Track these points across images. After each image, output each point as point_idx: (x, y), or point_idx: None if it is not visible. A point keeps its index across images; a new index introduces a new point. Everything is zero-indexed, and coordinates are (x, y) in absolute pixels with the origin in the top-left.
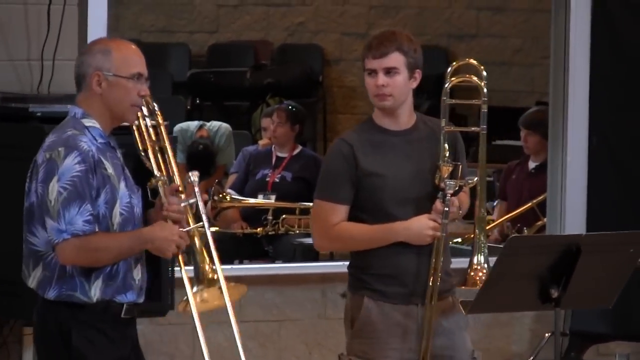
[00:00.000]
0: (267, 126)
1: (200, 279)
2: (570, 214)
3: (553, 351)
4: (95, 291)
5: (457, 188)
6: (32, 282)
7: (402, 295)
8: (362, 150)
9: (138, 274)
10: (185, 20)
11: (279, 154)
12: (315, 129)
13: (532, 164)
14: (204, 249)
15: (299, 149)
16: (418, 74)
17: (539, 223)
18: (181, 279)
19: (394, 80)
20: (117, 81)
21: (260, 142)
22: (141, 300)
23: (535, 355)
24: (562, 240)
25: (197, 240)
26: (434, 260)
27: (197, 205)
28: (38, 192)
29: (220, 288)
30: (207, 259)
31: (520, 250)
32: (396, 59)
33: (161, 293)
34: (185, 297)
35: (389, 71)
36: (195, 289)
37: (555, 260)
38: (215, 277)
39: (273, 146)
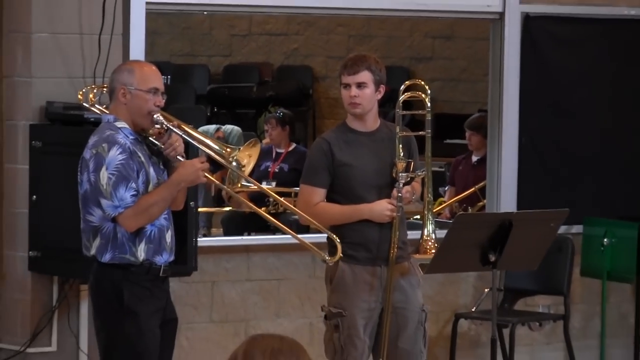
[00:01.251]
0: (267, 129)
1: (225, 155)
2: (505, 196)
3: (491, 303)
4: (141, 252)
5: (408, 179)
6: (92, 251)
7: (369, 259)
8: (337, 146)
9: (169, 237)
10: (205, 46)
11: (278, 150)
12: (306, 130)
13: (474, 158)
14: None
15: (293, 146)
16: (382, 88)
17: (480, 203)
18: (203, 247)
19: (364, 93)
20: (137, 94)
21: (264, 141)
22: (172, 258)
23: (477, 306)
24: (498, 216)
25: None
26: (393, 233)
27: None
28: (91, 180)
29: (240, 150)
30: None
31: (465, 224)
32: (365, 76)
33: (187, 258)
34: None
35: (359, 85)
36: (234, 161)
37: (493, 232)
38: (229, 149)
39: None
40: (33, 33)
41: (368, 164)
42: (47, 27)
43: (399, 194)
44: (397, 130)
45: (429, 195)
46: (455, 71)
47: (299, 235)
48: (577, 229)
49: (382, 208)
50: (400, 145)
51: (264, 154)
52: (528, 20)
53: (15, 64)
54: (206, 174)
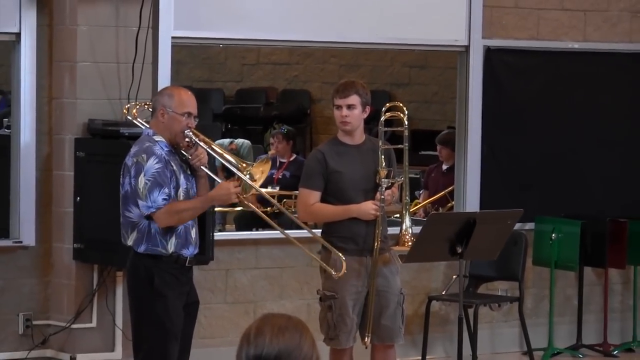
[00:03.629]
0: (273, 142)
1: (241, 168)
2: (470, 198)
3: (458, 287)
4: (171, 246)
5: (389, 184)
6: (129, 242)
7: (356, 251)
8: (330, 156)
9: (194, 233)
10: (221, 73)
11: (281, 160)
12: (305, 144)
13: (444, 167)
14: (229, 155)
15: (294, 156)
16: (368, 109)
17: (449, 205)
18: (219, 241)
19: (353, 113)
20: (174, 116)
21: (270, 152)
22: (196, 251)
23: (446, 290)
24: (464, 215)
25: (228, 156)
26: (377, 229)
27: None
28: (131, 184)
29: (254, 166)
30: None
31: (437, 222)
32: (354, 99)
33: (205, 250)
34: (244, 177)
35: (349, 107)
36: (247, 174)
37: (459, 228)
38: (245, 164)
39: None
40: (78, 62)
41: (356, 172)
42: (90, 57)
43: (382, 197)
44: (380, 143)
45: (407, 198)
46: (428, 95)
47: (300, 231)
48: (529, 225)
49: (367, 208)
50: (382, 156)
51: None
52: (489, 53)
53: (63, 88)
54: (238, 195)
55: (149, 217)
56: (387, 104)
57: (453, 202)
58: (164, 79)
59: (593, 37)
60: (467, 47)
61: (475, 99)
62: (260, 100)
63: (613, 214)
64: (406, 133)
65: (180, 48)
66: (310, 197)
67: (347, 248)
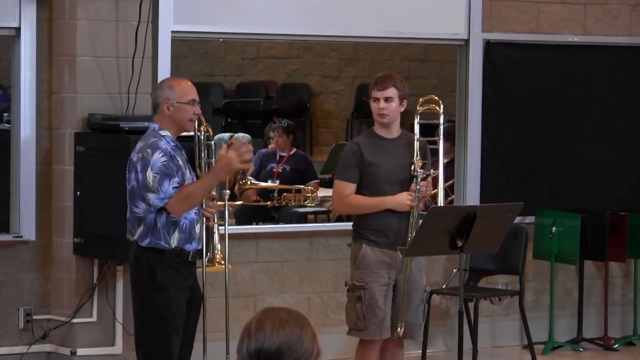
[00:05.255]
0: (273, 136)
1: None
2: (470, 192)
3: (459, 281)
4: (174, 240)
5: (424, 176)
6: (135, 236)
7: (387, 244)
8: (366, 148)
9: (198, 229)
10: (221, 67)
11: (281, 154)
12: (304, 137)
13: (445, 160)
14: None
15: (294, 150)
16: (405, 103)
17: (450, 198)
18: (220, 235)
19: (390, 105)
20: (179, 106)
21: (270, 146)
22: (200, 246)
23: (447, 284)
24: (465, 209)
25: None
26: (411, 221)
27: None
28: (138, 179)
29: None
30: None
31: (437, 215)
32: (392, 92)
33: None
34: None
35: (387, 99)
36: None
37: (460, 221)
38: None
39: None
40: (78, 56)
41: (391, 164)
42: (89, 52)
43: (417, 187)
44: (416, 131)
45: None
46: (428, 88)
47: (300, 225)
48: (530, 219)
49: (403, 199)
50: (418, 149)
51: (270, 157)
52: (489, 46)
53: (62, 82)
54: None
55: (162, 210)
56: (422, 99)
57: (453, 196)
58: (164, 73)
59: (593, 30)
60: (467, 41)
61: (475, 93)
62: (260, 94)
63: (613, 207)
64: (441, 125)
65: (180, 42)
66: (345, 189)
67: (378, 241)
